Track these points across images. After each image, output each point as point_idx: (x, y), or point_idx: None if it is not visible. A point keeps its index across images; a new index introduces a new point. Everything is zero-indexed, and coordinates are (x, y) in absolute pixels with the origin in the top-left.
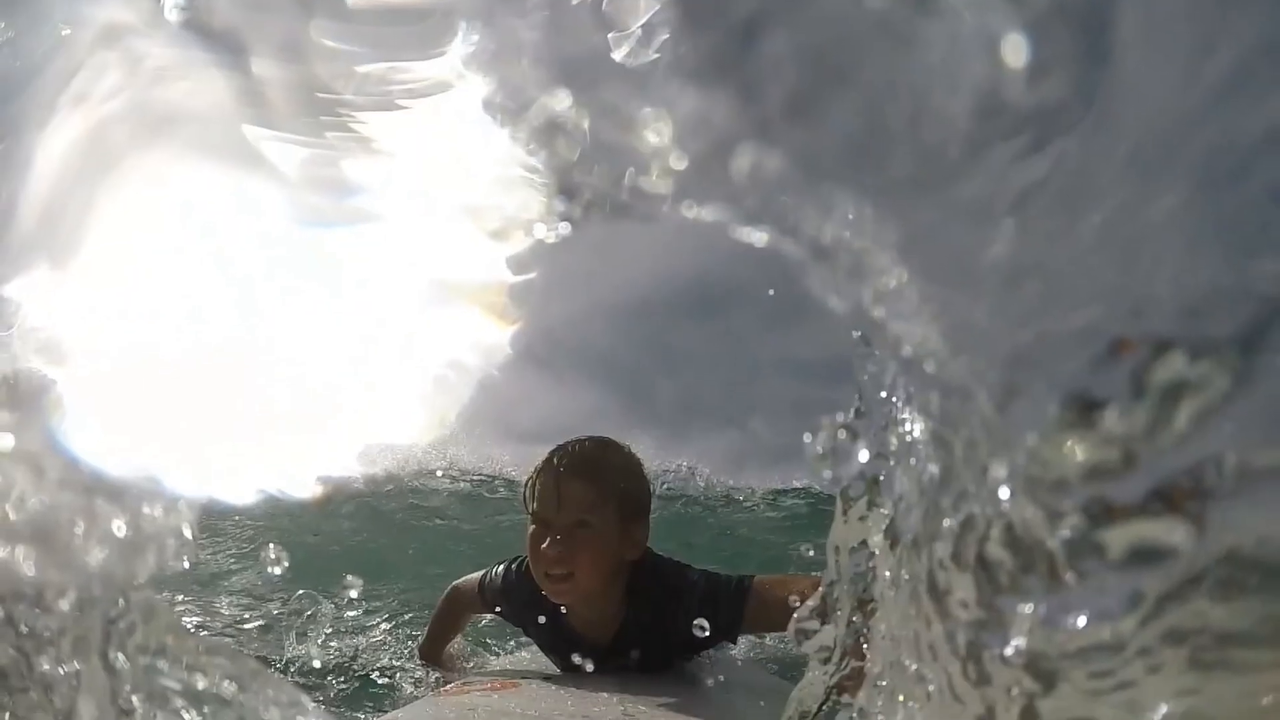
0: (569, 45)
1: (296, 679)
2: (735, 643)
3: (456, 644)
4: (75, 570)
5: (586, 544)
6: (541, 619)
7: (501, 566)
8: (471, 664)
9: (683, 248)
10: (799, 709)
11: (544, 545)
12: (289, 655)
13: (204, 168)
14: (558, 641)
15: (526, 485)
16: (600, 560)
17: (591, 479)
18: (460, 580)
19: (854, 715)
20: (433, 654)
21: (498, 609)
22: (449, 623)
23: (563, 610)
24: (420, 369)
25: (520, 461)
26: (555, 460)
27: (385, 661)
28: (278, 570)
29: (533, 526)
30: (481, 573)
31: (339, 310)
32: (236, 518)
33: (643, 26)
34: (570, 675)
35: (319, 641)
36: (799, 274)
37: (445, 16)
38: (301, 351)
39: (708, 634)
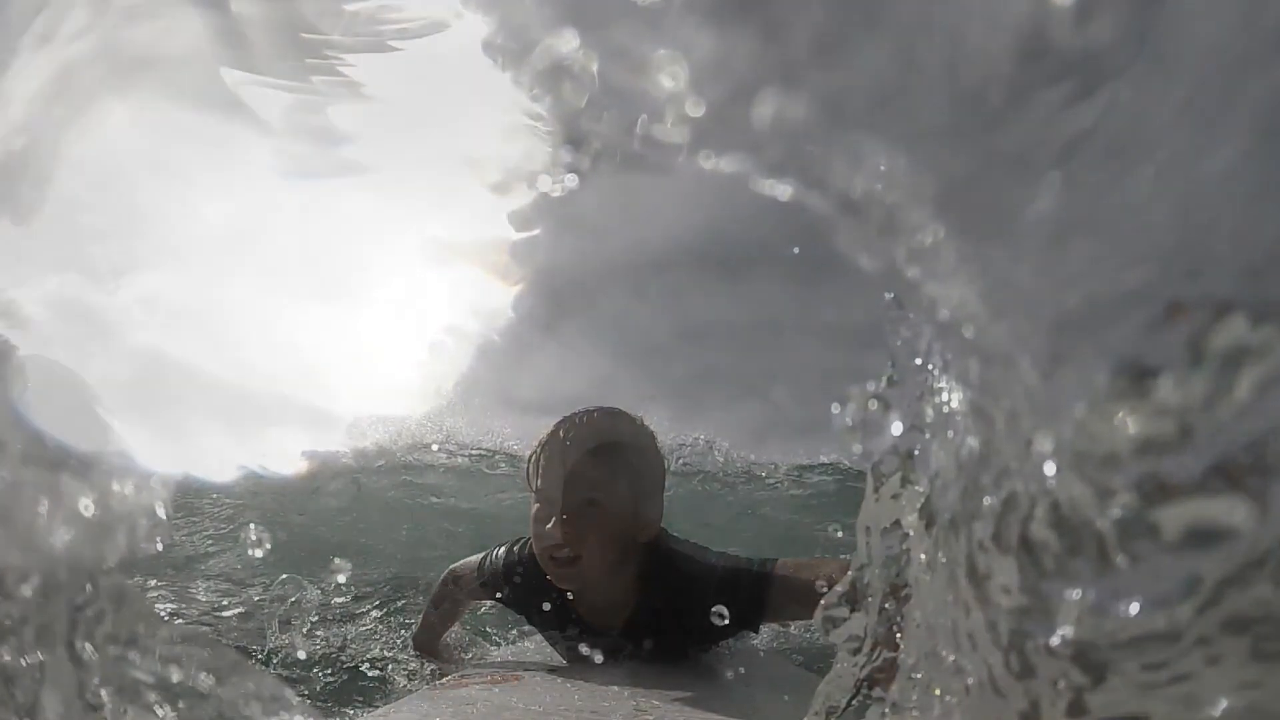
0: None
1: (279, 671)
2: (757, 632)
3: (454, 633)
4: (39, 553)
5: (594, 524)
6: (546, 606)
7: (503, 549)
8: (470, 655)
9: (699, 202)
10: (826, 703)
11: (549, 525)
12: (271, 645)
13: (179, 115)
14: (563, 630)
15: (530, 460)
16: (609, 542)
17: (601, 454)
18: (458, 564)
19: (886, 710)
20: (428, 644)
21: (498, 595)
22: (446, 610)
23: (569, 596)
24: (414, 334)
25: (522, 434)
26: (561, 433)
27: (376, 652)
28: (259, 553)
29: (536, 505)
30: (481, 555)
31: (326, 270)
32: (215, 496)
33: None
34: (576, 667)
35: (304, 630)
36: (826, 230)
37: None
38: (284, 315)
39: (726, 623)
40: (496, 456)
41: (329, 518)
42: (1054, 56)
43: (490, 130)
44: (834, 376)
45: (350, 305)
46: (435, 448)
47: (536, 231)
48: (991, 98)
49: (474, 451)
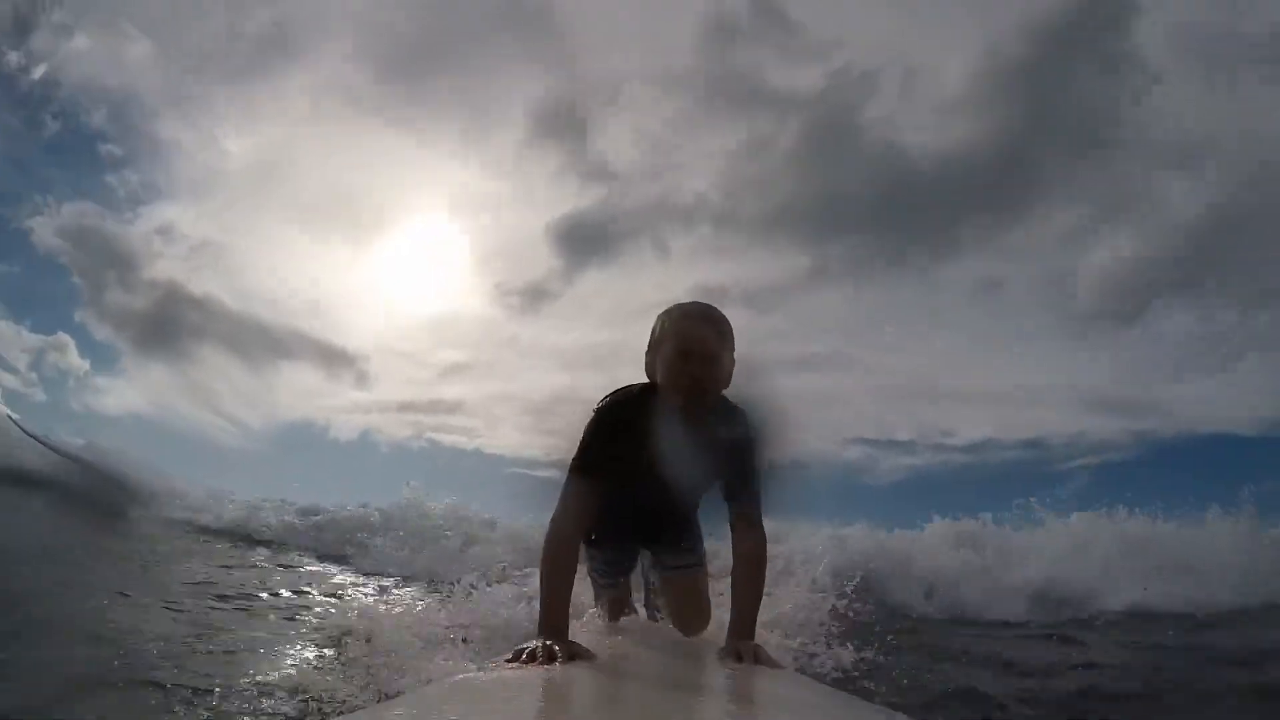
0: None
1: None
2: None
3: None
4: None
5: (716, 372)
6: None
7: (605, 402)
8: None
9: None
10: None
11: (689, 368)
12: None
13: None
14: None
15: (659, 328)
16: (720, 385)
17: (716, 329)
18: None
19: None
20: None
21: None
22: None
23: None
24: (432, 277)
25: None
26: (692, 314)
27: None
28: None
29: (675, 355)
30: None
31: (349, 210)
32: None
33: None
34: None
35: None
36: None
37: None
38: (304, 251)
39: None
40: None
41: None
42: None
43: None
44: None
45: (369, 244)
46: None
47: None
48: None
49: None
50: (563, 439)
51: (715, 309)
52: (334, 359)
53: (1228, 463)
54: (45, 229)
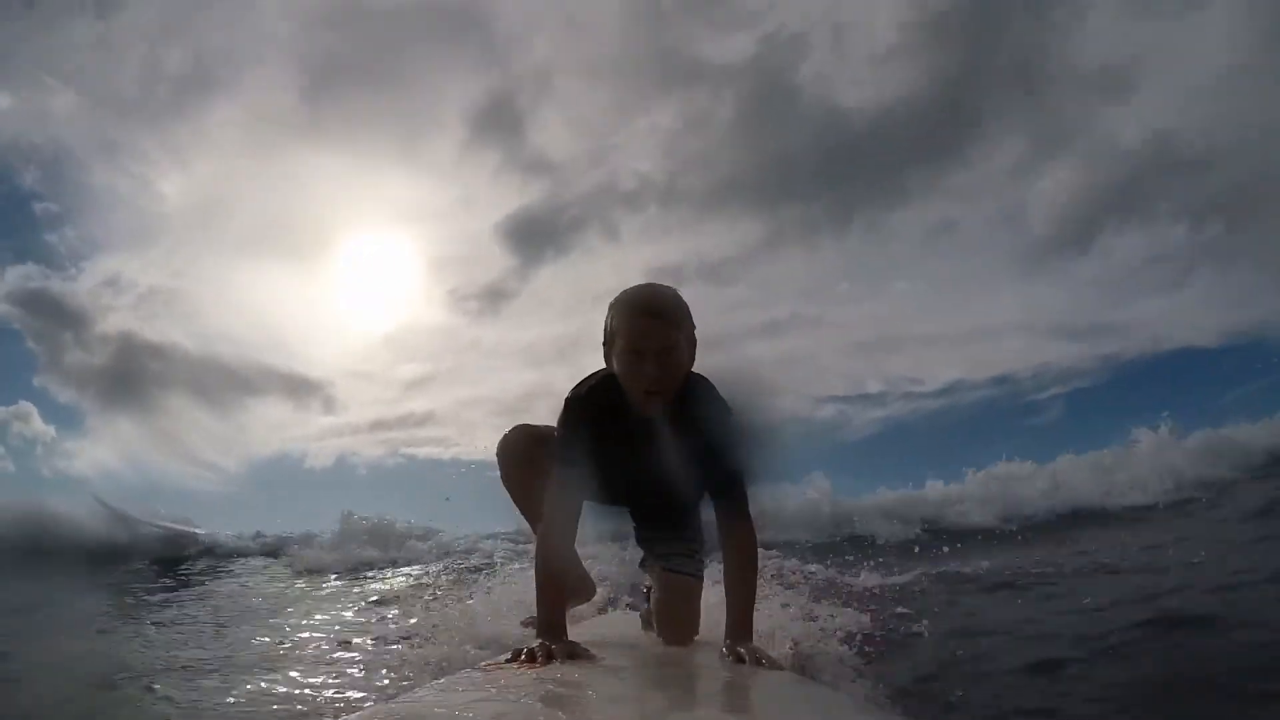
0: None
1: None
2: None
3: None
4: None
5: (672, 366)
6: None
7: (578, 393)
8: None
9: None
10: None
11: (645, 368)
12: None
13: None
14: (621, 445)
15: (609, 324)
16: (678, 377)
17: (667, 316)
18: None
19: None
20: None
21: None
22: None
23: (629, 418)
24: (386, 293)
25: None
26: (637, 302)
27: None
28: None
29: (627, 355)
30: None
31: (292, 235)
32: None
33: None
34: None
35: None
36: None
37: None
38: (254, 283)
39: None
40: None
41: None
42: None
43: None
44: None
45: (318, 268)
46: None
47: None
48: None
49: None
50: None
51: (665, 292)
52: (299, 388)
53: (1193, 375)
54: None
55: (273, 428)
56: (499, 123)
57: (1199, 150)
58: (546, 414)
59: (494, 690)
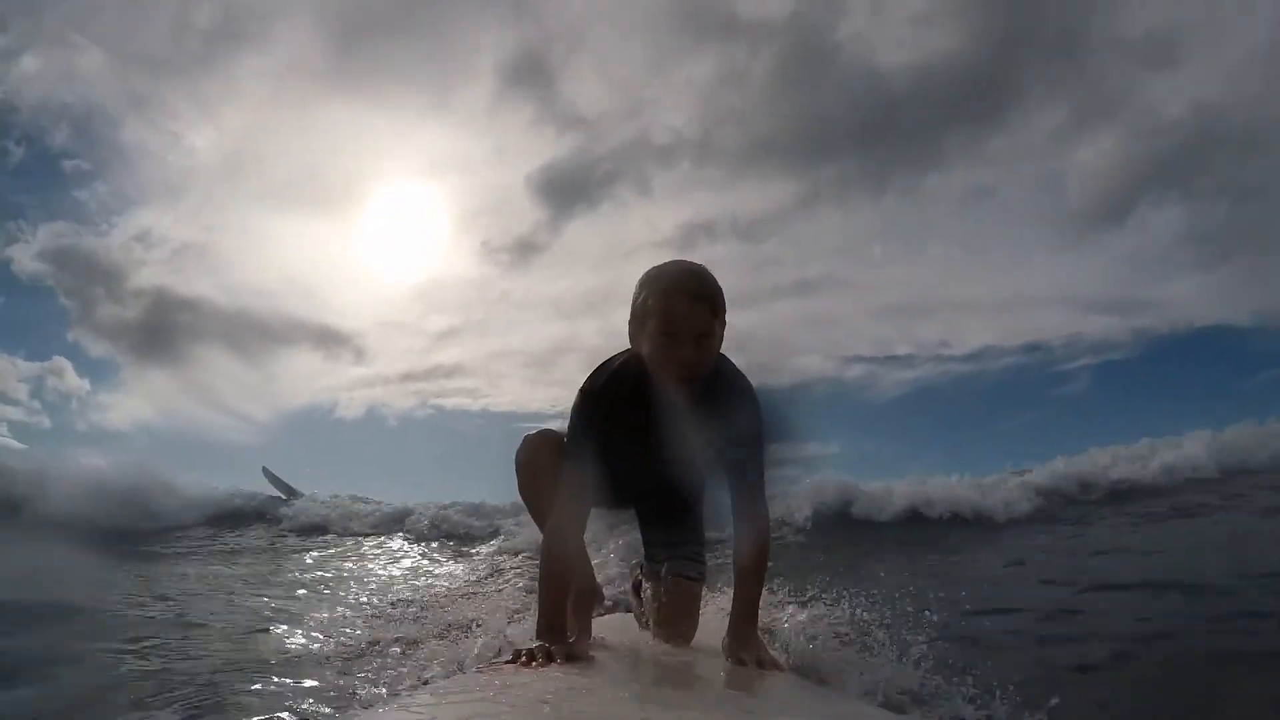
0: None
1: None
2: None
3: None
4: None
5: (706, 350)
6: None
7: (591, 384)
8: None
9: None
10: None
11: (679, 350)
12: None
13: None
14: (642, 429)
15: (639, 303)
16: (712, 358)
17: (703, 299)
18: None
19: None
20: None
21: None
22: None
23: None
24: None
25: None
26: (673, 284)
27: None
28: None
29: (661, 337)
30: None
31: (323, 186)
32: None
33: None
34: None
35: None
36: None
37: None
38: (284, 235)
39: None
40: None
41: None
42: None
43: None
44: None
45: (349, 220)
46: None
47: None
48: None
49: None
50: (569, 388)
51: (704, 274)
52: (330, 339)
53: (1226, 355)
54: (24, 255)
55: (303, 379)
56: (532, 75)
57: (1244, 126)
58: (574, 368)
59: (489, 693)
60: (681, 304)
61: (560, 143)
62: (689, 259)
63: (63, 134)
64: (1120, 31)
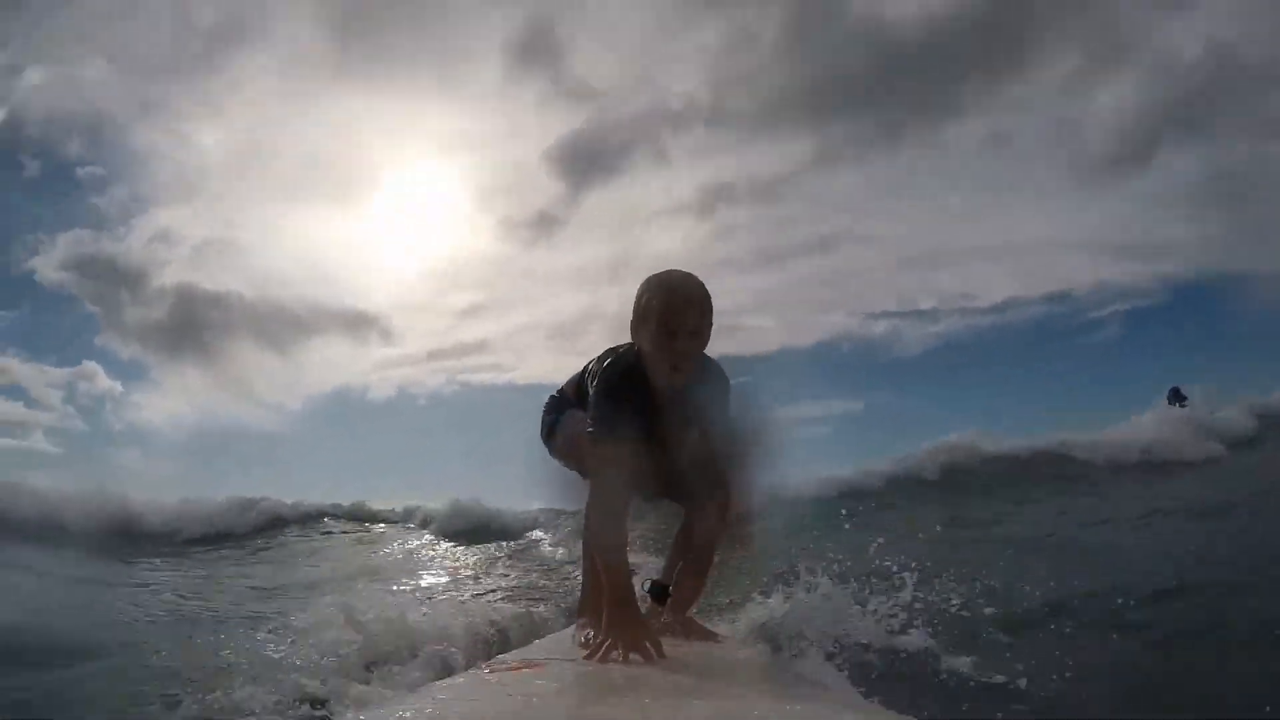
0: None
1: None
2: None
3: None
4: None
5: (699, 348)
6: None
7: (614, 366)
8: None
9: None
10: None
11: (677, 346)
12: None
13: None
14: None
15: (640, 306)
16: (701, 353)
17: (697, 302)
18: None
19: None
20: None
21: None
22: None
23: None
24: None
25: None
26: (671, 289)
27: None
28: None
29: (661, 335)
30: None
31: (337, 174)
32: None
33: None
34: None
35: None
36: None
37: None
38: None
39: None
40: None
41: None
42: None
43: None
44: None
45: (366, 205)
46: None
47: None
48: None
49: None
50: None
51: (697, 282)
52: (357, 323)
53: (1252, 299)
54: (47, 265)
55: (333, 364)
56: (540, 50)
57: (1262, 63)
58: (598, 337)
59: (501, 693)
60: (680, 305)
61: (573, 116)
62: (707, 224)
63: (74, 143)
64: None
